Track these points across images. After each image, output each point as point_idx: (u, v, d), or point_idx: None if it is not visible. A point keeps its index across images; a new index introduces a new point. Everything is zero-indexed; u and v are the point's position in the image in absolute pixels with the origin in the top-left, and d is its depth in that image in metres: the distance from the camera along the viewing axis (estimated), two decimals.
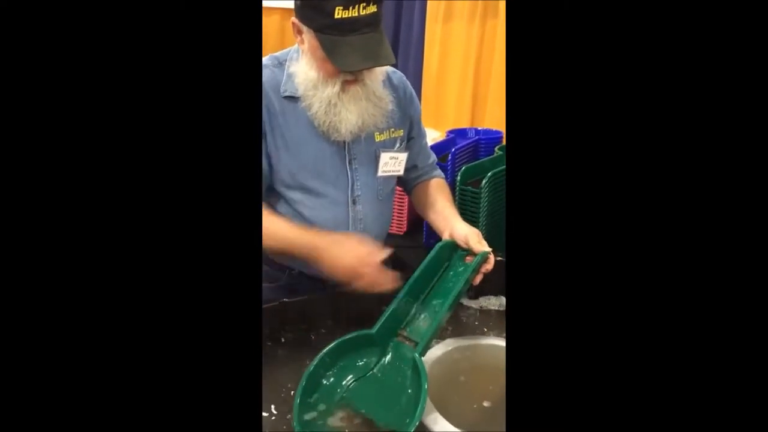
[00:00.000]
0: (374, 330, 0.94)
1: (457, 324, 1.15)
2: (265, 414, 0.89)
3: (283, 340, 1.09)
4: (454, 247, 1.12)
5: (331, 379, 0.91)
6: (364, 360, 0.94)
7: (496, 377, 0.98)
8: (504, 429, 0.66)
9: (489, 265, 1.08)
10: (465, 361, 1.03)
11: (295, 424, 0.83)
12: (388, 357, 0.93)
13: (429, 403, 0.85)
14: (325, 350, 0.91)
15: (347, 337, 0.94)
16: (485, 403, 0.95)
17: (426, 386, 0.83)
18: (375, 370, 0.92)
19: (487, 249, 1.09)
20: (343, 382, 0.91)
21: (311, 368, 0.89)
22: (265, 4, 2.94)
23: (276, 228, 1.09)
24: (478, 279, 1.08)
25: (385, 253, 1.01)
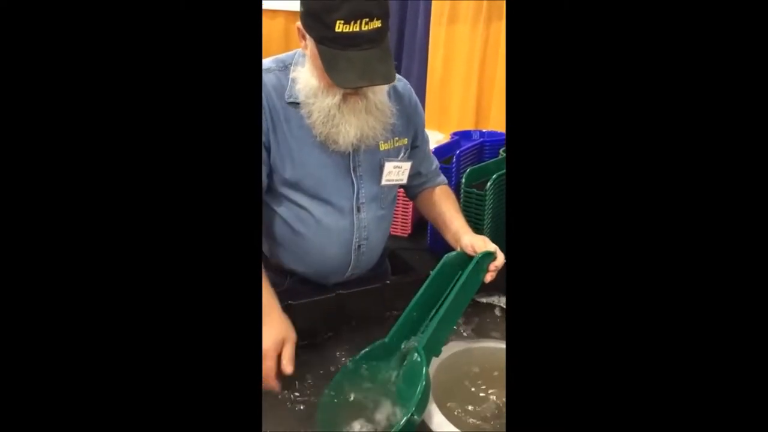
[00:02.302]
0: (387, 339, 0.96)
1: (468, 322, 1.16)
2: None
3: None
4: (464, 258, 1.11)
5: (351, 394, 0.92)
6: (380, 369, 0.95)
7: (497, 379, 0.98)
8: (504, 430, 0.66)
9: (498, 262, 1.08)
10: (466, 362, 1.03)
11: None
12: (401, 364, 0.94)
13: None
14: (340, 372, 0.93)
15: (360, 355, 0.96)
16: (480, 404, 0.95)
17: (422, 385, 0.83)
18: (389, 378, 0.94)
19: (492, 248, 1.08)
20: (359, 394, 0.92)
21: (324, 397, 0.91)
22: (269, 6, 2.93)
23: None
24: (489, 277, 1.08)
25: (289, 350, 0.96)
